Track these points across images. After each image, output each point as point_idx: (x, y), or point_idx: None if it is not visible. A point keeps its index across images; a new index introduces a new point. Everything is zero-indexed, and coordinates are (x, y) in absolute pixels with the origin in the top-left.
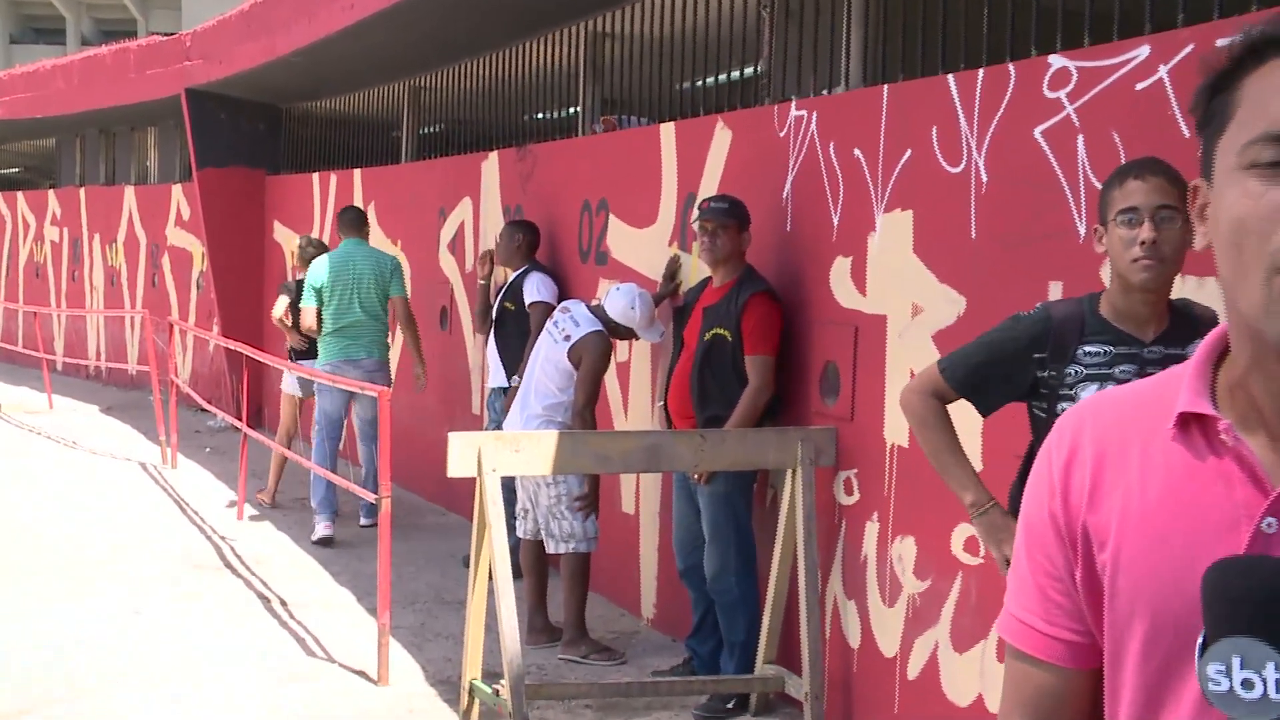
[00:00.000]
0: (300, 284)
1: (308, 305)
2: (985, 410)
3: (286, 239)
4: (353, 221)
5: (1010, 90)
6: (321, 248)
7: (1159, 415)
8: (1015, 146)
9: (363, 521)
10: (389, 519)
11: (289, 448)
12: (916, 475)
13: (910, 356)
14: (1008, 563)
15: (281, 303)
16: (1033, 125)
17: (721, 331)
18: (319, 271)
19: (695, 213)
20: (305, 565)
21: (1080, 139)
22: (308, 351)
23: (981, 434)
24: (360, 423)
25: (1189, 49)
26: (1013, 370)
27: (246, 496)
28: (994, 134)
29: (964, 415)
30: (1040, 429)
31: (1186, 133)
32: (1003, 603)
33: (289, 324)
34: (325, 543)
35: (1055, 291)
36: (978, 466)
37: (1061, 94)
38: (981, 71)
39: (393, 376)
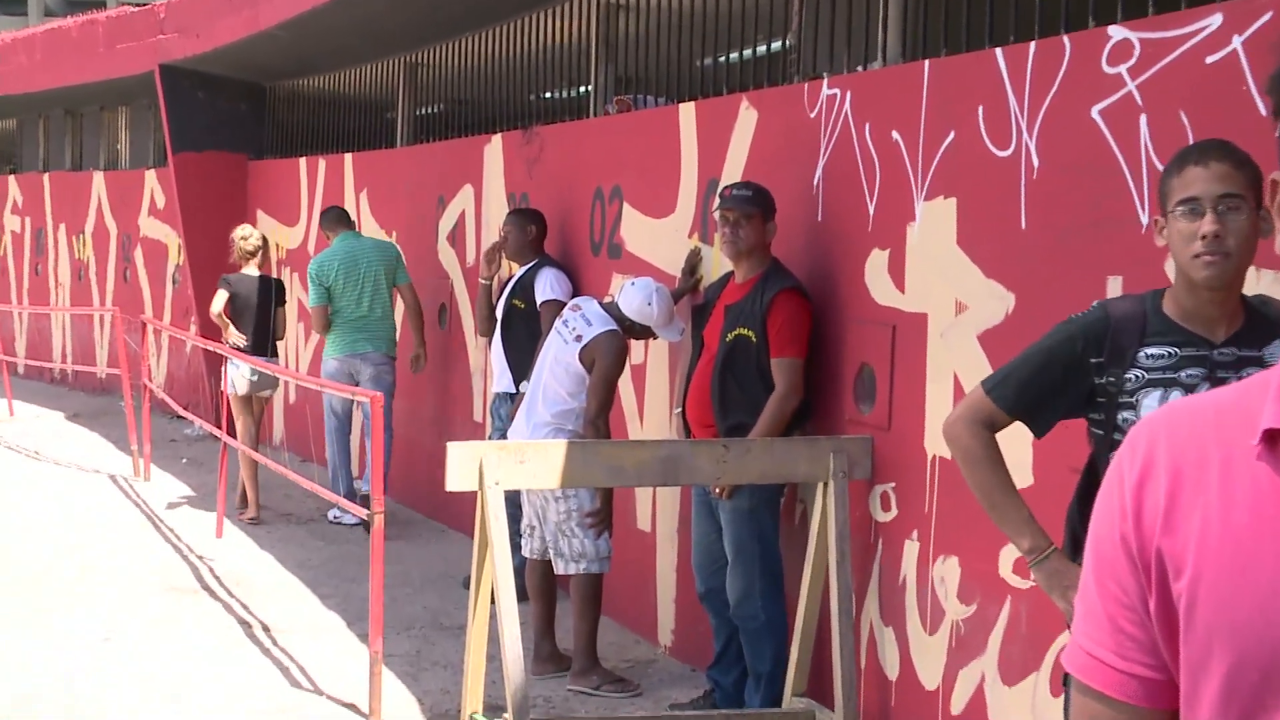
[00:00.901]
0: (252, 279)
1: (318, 304)
2: (1040, 431)
3: (272, 230)
4: (340, 217)
5: (1065, 65)
6: (263, 242)
7: (1242, 429)
8: (1070, 128)
9: (344, 520)
10: (382, 536)
11: (256, 449)
12: (961, 489)
13: (953, 358)
14: None
15: (221, 297)
16: (1090, 104)
17: (745, 332)
18: (327, 269)
19: (716, 201)
20: (291, 587)
21: (1143, 119)
22: (248, 349)
23: (1032, 446)
24: (365, 410)
25: (1267, 17)
26: (1068, 380)
27: (226, 511)
28: (1047, 114)
29: (1010, 427)
30: (1099, 442)
31: (1264, 111)
32: (1058, 631)
33: (227, 320)
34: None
35: (1114, 288)
36: (1027, 481)
37: (1122, 69)
38: (1033, 45)
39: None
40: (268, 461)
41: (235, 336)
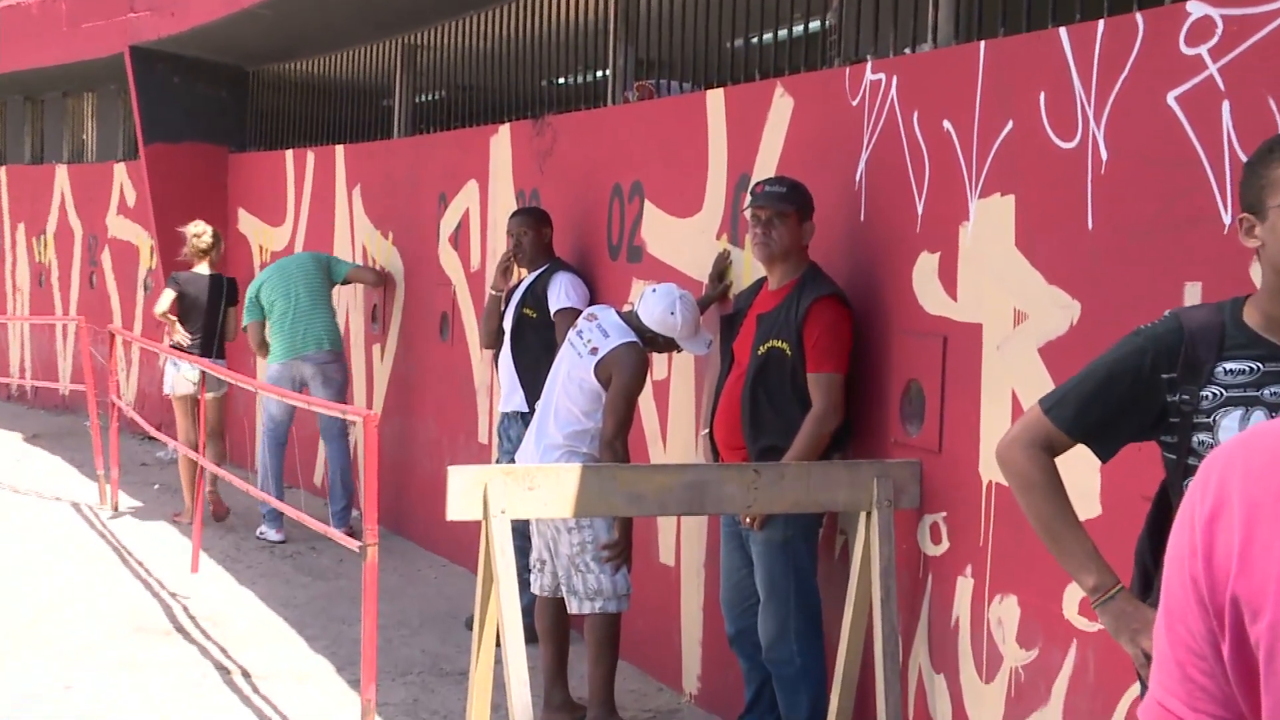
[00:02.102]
0: (203, 278)
1: (250, 321)
2: (1106, 455)
3: (255, 231)
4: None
5: (1138, 46)
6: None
7: None
8: (1143, 116)
9: (264, 531)
10: (375, 571)
11: (205, 455)
12: (1020, 519)
13: (1011, 374)
14: (1148, 658)
15: (167, 296)
16: (1166, 89)
17: (779, 344)
18: (258, 283)
19: (747, 199)
20: (273, 628)
21: (1226, 105)
22: (194, 349)
23: (1099, 471)
24: (320, 420)
25: None
26: (1136, 398)
27: (204, 543)
28: (1117, 100)
29: (1075, 450)
30: (1172, 468)
31: None
32: (1130, 680)
33: (174, 319)
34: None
35: (1192, 295)
36: (1094, 511)
37: (1203, 50)
38: (1101, 23)
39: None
40: (219, 470)
41: (180, 335)
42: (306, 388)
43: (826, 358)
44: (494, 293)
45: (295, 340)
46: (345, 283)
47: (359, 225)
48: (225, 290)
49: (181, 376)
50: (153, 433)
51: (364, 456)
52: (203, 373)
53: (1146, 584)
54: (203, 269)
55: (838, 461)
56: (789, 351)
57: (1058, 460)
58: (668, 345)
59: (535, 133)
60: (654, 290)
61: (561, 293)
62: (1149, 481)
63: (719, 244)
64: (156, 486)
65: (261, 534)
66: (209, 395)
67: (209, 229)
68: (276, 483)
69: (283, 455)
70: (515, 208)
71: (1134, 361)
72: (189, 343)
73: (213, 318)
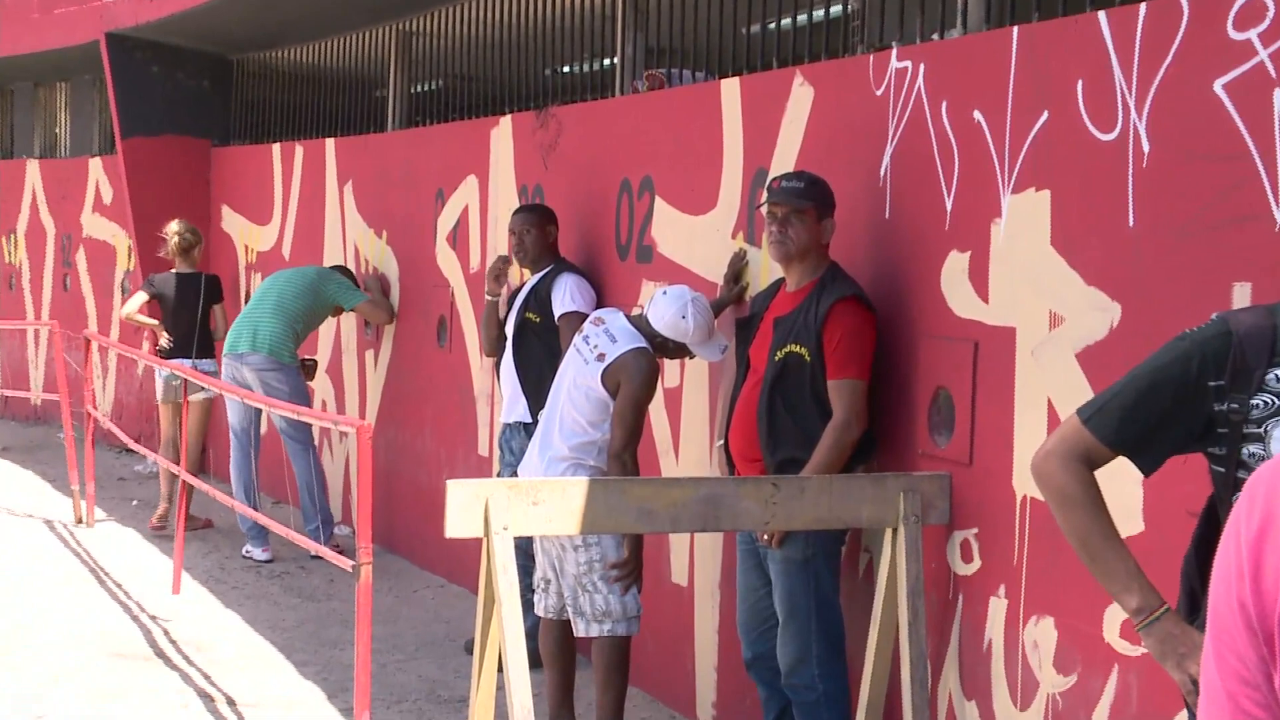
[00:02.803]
0: (184, 277)
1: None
2: (1149, 468)
3: (240, 230)
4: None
5: (1182, 30)
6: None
7: None
8: (1188, 105)
9: (250, 550)
10: (369, 592)
11: (179, 460)
12: (1058, 536)
13: (1047, 381)
14: (1195, 684)
15: (136, 299)
16: (1213, 77)
17: (797, 349)
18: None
19: (764, 195)
20: (260, 652)
21: (1277, 94)
22: (173, 351)
23: (1142, 485)
24: (278, 426)
25: None
26: (1181, 407)
27: (185, 564)
28: (1160, 89)
29: (1116, 462)
30: (1220, 481)
31: None
32: (1176, 708)
33: (142, 321)
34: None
35: (1241, 296)
36: (1137, 527)
37: (1252, 34)
38: (1143, 6)
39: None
40: (195, 480)
41: (164, 339)
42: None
43: (848, 363)
44: (490, 299)
45: (238, 336)
46: (350, 310)
47: (351, 223)
48: (205, 288)
49: (160, 381)
50: (131, 445)
51: (358, 470)
52: (178, 376)
53: (1194, 605)
54: (182, 268)
55: (861, 474)
56: (808, 357)
57: (1098, 473)
58: (679, 351)
59: (539, 125)
60: (664, 292)
61: (566, 295)
62: (1195, 496)
63: (734, 243)
64: (135, 503)
65: (247, 553)
66: (192, 399)
67: (184, 227)
68: (249, 496)
69: (249, 465)
70: (517, 204)
71: (1179, 368)
72: (168, 346)
73: (191, 318)
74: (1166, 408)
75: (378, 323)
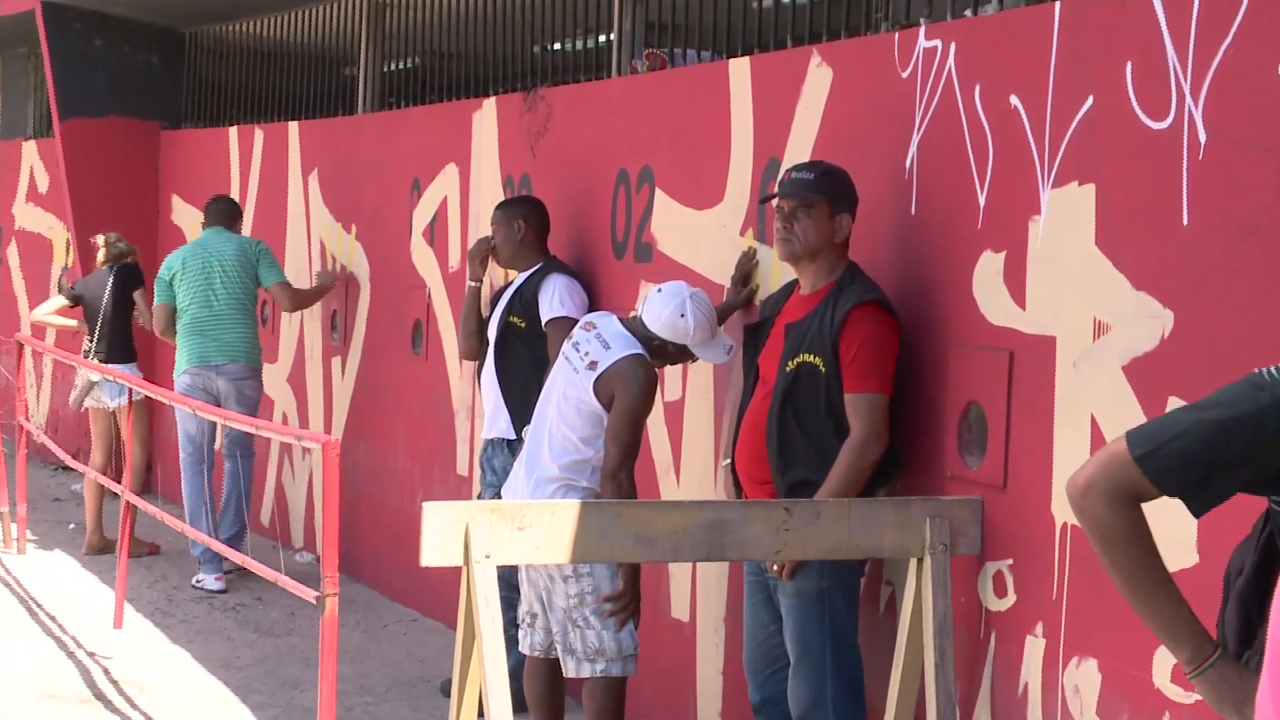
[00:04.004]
0: (98, 276)
1: (159, 302)
2: (1201, 510)
3: (192, 224)
4: (222, 212)
5: (1244, 7)
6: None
7: None
8: (1249, 90)
9: (202, 579)
10: (335, 627)
11: (117, 477)
12: (1102, 568)
13: (1090, 396)
14: None
15: (52, 301)
16: (1277, 59)
17: (811, 359)
18: (171, 263)
19: (775, 188)
20: (212, 694)
21: None
22: (92, 354)
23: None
24: (225, 434)
25: None
26: (1249, 458)
27: (128, 594)
28: (1218, 72)
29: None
30: None
31: None
32: None
33: (54, 323)
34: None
35: None
36: (1188, 560)
37: None
38: None
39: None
40: (138, 500)
41: (85, 343)
42: (217, 403)
43: (867, 375)
44: (473, 284)
45: (207, 348)
46: (264, 287)
47: (316, 217)
48: (116, 279)
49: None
50: (69, 461)
51: (323, 490)
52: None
53: (1249, 634)
54: (105, 269)
55: (882, 499)
56: (823, 367)
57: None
58: (680, 355)
59: (526, 108)
60: (659, 290)
61: (555, 299)
62: (1245, 528)
63: (743, 241)
64: (72, 525)
65: (199, 582)
66: (111, 405)
67: (110, 241)
68: (202, 516)
69: (203, 481)
70: (501, 196)
71: (1255, 422)
72: (88, 348)
73: (109, 317)
74: (1234, 457)
75: (283, 309)
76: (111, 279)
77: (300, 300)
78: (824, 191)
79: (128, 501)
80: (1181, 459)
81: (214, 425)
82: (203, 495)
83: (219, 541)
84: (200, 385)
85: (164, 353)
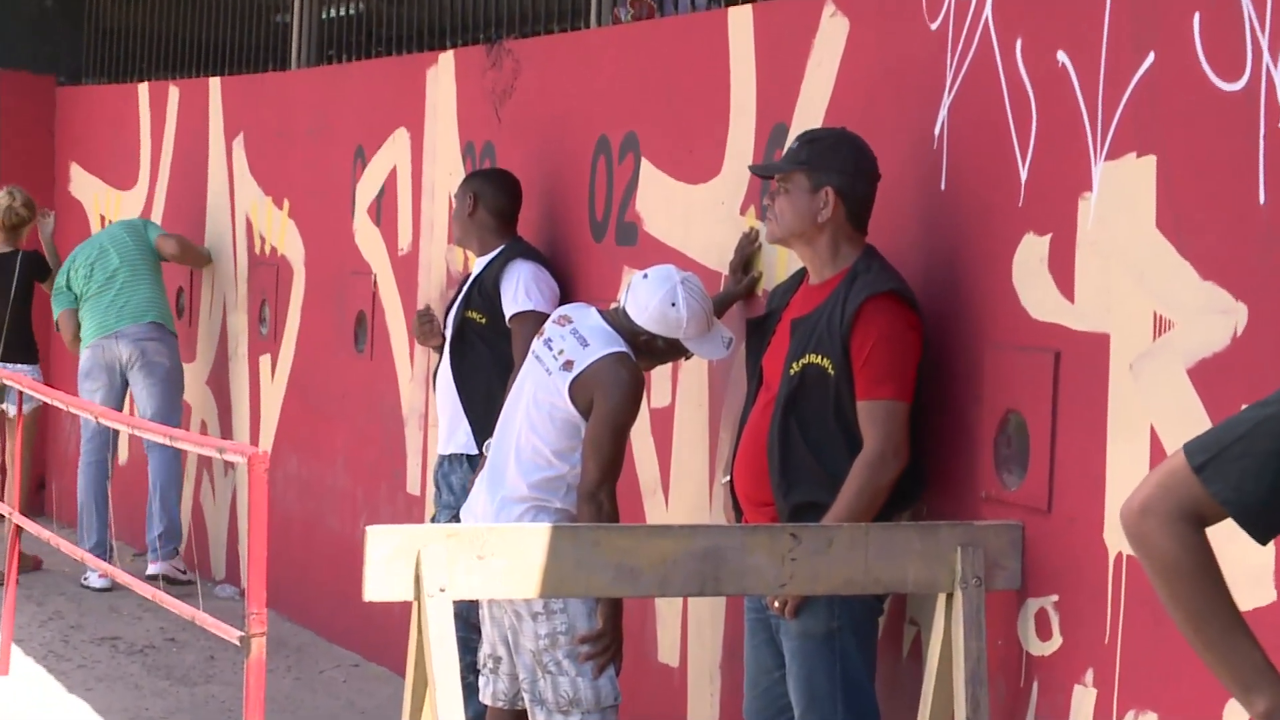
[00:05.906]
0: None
1: (62, 309)
2: (1266, 537)
3: (95, 197)
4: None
5: None
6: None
7: None
8: None
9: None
10: (262, 672)
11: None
12: (1162, 606)
13: (1150, 404)
14: None
15: None
16: None
17: (818, 360)
18: (69, 263)
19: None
20: None
21: None
22: None
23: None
24: (141, 411)
25: None
26: None
27: (15, 634)
28: None
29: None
30: None
31: None
32: None
33: None
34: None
35: None
36: (1267, 598)
37: None
38: None
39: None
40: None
41: None
42: (125, 380)
43: (883, 379)
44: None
45: (109, 316)
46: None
47: (242, 189)
48: (21, 269)
49: None
50: None
51: (249, 511)
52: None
53: None
54: (4, 249)
55: (904, 524)
56: (832, 370)
57: (1209, 530)
58: (671, 352)
59: (490, 64)
60: (645, 276)
61: (519, 289)
62: None
63: (744, 221)
64: None
65: (86, 581)
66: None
67: (17, 199)
68: (100, 518)
69: (105, 479)
70: (460, 167)
71: None
72: None
73: (6, 308)
74: None
75: (170, 256)
76: (18, 266)
77: (190, 252)
78: (801, 161)
79: (15, 524)
80: (1245, 467)
81: (119, 408)
82: (94, 485)
83: (146, 540)
84: (101, 360)
85: (65, 353)
